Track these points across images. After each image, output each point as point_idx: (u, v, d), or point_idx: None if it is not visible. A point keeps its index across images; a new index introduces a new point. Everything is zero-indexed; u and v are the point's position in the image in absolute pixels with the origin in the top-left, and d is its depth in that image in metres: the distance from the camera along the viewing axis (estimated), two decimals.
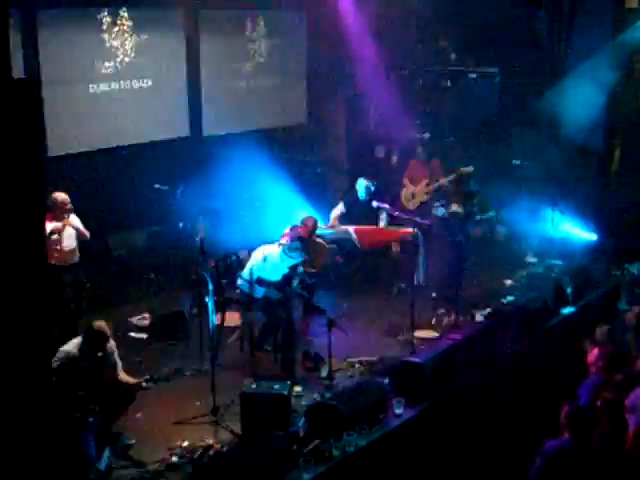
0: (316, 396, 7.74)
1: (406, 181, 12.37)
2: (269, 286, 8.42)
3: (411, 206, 12.15)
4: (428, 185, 12.09)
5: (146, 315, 9.57)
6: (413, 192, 12.26)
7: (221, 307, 8.79)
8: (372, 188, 10.70)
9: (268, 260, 8.54)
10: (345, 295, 10.41)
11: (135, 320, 9.53)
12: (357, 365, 8.51)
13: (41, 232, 4.84)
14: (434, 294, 10.14)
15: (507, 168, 12.65)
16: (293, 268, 8.63)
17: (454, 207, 9.70)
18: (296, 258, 8.60)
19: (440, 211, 9.83)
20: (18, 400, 4.58)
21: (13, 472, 4.61)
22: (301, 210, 10.85)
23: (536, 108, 12.37)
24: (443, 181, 11.63)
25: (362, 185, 10.74)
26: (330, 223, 10.80)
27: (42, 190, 4.67)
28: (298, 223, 9.51)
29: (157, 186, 9.45)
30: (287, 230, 9.06)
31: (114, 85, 10.41)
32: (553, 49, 12.57)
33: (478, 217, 9.92)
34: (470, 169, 10.81)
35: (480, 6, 12.55)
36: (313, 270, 9.60)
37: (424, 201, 11.99)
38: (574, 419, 5.84)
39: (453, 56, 13.38)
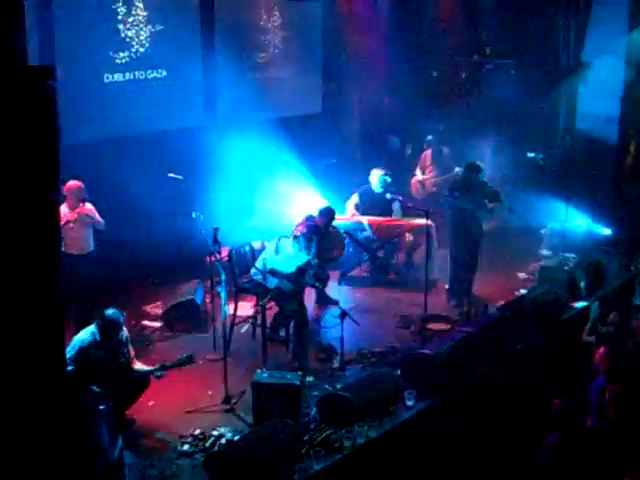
0: (328, 387, 7.76)
1: (417, 171, 12.47)
2: (282, 277, 8.43)
3: (421, 195, 12.23)
4: (436, 176, 12.20)
5: (159, 304, 9.61)
6: (422, 181, 12.35)
7: (234, 297, 8.81)
8: (388, 180, 10.64)
9: (281, 251, 8.55)
10: (358, 286, 10.41)
11: (148, 308, 9.58)
12: (369, 356, 8.52)
13: (56, 220, 4.86)
14: (447, 286, 10.15)
15: (522, 160, 12.61)
16: (307, 262, 8.61)
17: (466, 197, 9.68)
18: (309, 252, 8.60)
19: (451, 201, 9.82)
20: (32, 388, 4.62)
21: (26, 459, 4.64)
22: (315, 200, 10.85)
23: (551, 101, 12.32)
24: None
25: (377, 176, 10.68)
26: (348, 214, 10.80)
27: (57, 178, 4.70)
28: (314, 213, 9.48)
29: (171, 175, 9.46)
30: (302, 220, 9.04)
31: (129, 75, 10.43)
32: (569, 42, 12.52)
33: (490, 207, 9.89)
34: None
35: None
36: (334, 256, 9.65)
37: (433, 191, 12.08)
38: (565, 414, 5.89)
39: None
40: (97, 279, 8.72)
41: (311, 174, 11.56)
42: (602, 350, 6.87)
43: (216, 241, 7.80)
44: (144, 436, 6.97)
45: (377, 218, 10.66)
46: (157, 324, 9.28)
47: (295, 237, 8.62)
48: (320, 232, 9.19)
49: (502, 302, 9.55)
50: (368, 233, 10.62)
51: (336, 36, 12.88)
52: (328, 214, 9.57)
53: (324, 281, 9.44)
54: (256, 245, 9.67)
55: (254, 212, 11.22)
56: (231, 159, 10.56)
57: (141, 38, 10.45)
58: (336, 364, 8.30)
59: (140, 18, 10.39)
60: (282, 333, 8.76)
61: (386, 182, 10.62)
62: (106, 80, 10.21)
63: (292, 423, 6.68)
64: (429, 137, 12.65)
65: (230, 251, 8.99)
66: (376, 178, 10.66)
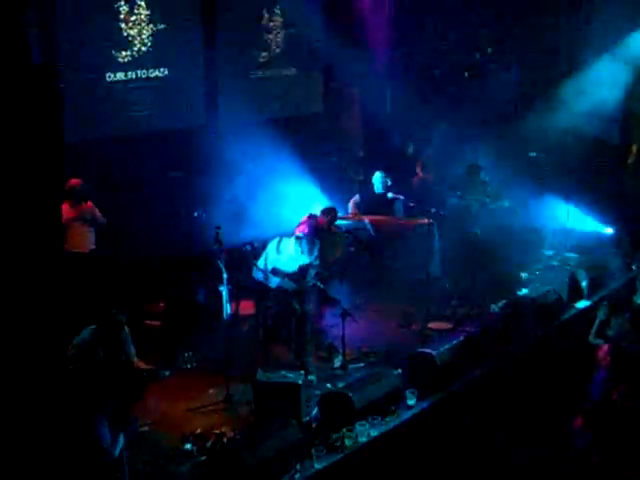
0: (329, 386, 7.76)
1: (418, 169, 12.47)
2: (284, 276, 8.42)
3: (422, 194, 12.25)
4: (438, 174, 12.25)
5: (160, 303, 9.60)
6: (424, 180, 12.36)
7: (235, 296, 8.80)
8: (389, 182, 10.67)
9: (283, 251, 8.53)
10: (359, 285, 10.41)
11: (150, 308, 9.57)
12: (370, 356, 8.52)
13: (58, 218, 4.86)
14: (448, 285, 10.13)
15: (524, 160, 12.60)
16: (309, 262, 8.60)
17: (467, 197, 9.69)
18: (311, 255, 8.58)
19: (453, 201, 9.82)
20: (34, 387, 4.62)
21: (29, 457, 4.64)
22: (316, 199, 10.84)
23: (553, 100, 12.32)
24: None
25: (378, 178, 10.72)
26: (350, 213, 10.80)
27: (61, 176, 4.70)
28: (317, 212, 9.46)
29: (172, 174, 9.46)
30: (304, 219, 9.02)
31: (131, 74, 10.44)
32: (570, 42, 12.53)
33: (492, 207, 9.89)
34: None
35: None
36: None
37: (434, 190, 12.09)
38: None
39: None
40: (98, 277, 8.71)
41: (312, 173, 11.55)
42: (605, 347, 6.89)
43: (218, 240, 7.80)
44: (145, 435, 6.96)
45: (379, 217, 10.65)
46: (158, 323, 9.26)
47: (297, 238, 8.57)
48: (322, 232, 9.17)
49: (504, 301, 9.55)
50: (370, 232, 10.61)
51: (338, 35, 12.86)
52: (330, 213, 9.58)
53: (326, 280, 9.42)
54: (258, 244, 9.65)
55: (256, 211, 11.22)
56: (232, 158, 10.55)
57: (143, 37, 10.45)
58: (338, 363, 8.30)
59: (142, 17, 10.39)
60: (284, 332, 8.76)
61: (386, 184, 10.66)
62: (108, 79, 10.22)
63: (294, 422, 6.68)
64: (432, 136, 12.67)
65: (232, 250, 8.98)
66: (377, 180, 10.70)
